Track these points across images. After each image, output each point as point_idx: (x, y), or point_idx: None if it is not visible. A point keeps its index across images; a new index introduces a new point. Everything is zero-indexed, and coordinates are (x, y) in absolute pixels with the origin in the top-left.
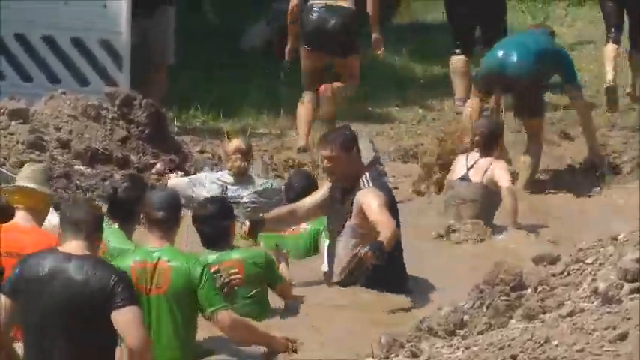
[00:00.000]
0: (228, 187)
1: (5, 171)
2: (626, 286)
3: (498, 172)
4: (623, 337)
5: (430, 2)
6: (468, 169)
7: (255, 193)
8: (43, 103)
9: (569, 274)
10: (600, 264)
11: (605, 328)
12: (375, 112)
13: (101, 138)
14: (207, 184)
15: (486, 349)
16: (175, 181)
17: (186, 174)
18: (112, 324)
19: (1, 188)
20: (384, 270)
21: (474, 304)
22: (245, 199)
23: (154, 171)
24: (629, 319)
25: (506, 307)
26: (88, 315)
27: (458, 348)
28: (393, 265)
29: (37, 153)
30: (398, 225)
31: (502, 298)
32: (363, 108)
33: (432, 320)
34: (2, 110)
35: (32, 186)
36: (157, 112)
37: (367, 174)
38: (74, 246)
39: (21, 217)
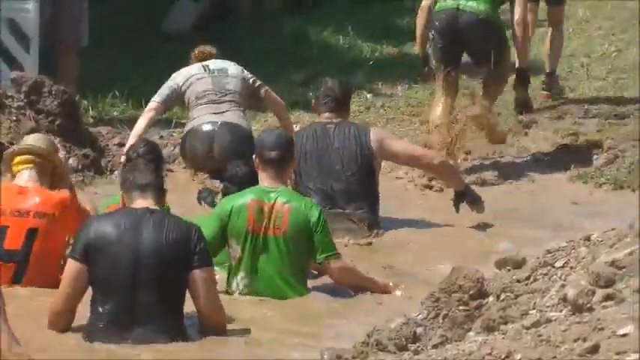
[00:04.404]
0: (210, 66)
1: None
2: (599, 293)
3: None
4: (594, 349)
5: None
6: None
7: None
8: None
9: (535, 279)
10: (571, 268)
11: (575, 340)
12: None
13: (5, 130)
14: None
15: None
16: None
17: (100, 171)
18: (185, 279)
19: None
20: None
21: (428, 314)
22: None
23: None
24: (601, 329)
25: (465, 317)
26: (169, 267)
27: None
28: None
29: None
30: None
31: (460, 307)
32: (304, 93)
33: (381, 334)
34: None
35: (38, 144)
36: (70, 100)
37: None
38: (146, 205)
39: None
